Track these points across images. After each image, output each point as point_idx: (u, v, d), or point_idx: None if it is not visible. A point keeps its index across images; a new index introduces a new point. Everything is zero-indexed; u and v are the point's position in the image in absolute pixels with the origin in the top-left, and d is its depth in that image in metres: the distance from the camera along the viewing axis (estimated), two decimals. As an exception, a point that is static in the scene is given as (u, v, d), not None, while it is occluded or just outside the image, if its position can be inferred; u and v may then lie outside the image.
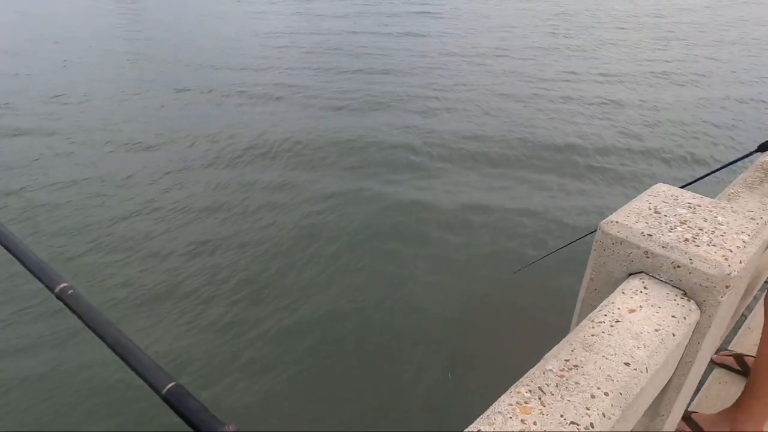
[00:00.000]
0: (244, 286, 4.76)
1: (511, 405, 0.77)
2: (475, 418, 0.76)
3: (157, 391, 0.70)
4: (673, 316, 0.97)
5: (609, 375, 0.83)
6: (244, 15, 17.79)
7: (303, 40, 14.19)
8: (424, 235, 5.53)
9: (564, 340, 0.94)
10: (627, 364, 0.86)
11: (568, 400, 0.78)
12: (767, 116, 8.83)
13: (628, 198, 1.22)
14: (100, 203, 6.15)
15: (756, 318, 2.41)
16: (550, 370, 0.84)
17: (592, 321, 0.96)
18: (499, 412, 0.76)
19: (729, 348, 2.32)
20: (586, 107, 9.04)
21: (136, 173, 6.84)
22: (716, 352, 2.22)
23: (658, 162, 7.17)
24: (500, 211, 5.92)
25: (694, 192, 1.27)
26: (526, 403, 0.78)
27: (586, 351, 0.88)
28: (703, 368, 1.30)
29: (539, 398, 0.79)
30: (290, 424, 3.51)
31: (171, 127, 8.31)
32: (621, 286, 1.07)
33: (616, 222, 1.13)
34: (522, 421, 0.75)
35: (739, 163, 1.90)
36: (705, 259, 1.01)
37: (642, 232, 1.09)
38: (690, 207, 1.19)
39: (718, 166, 2.05)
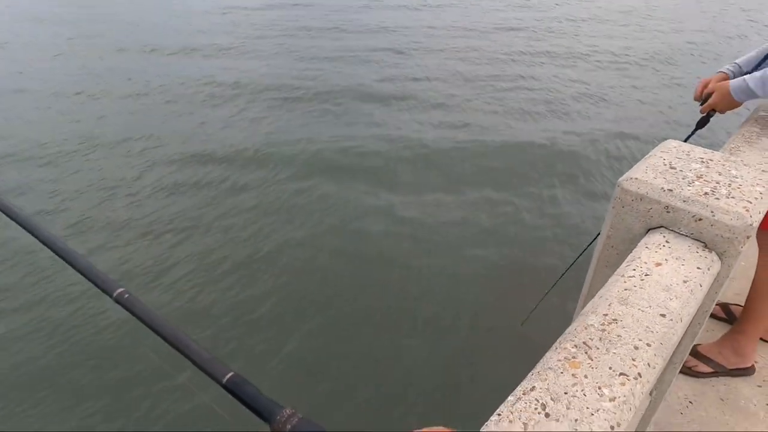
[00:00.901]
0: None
1: (560, 360, 0.79)
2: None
3: (218, 381, 0.75)
4: (698, 268, 1.00)
5: (648, 327, 0.86)
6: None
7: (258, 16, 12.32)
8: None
9: (597, 295, 0.96)
10: (663, 315, 0.88)
11: (614, 353, 0.80)
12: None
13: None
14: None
15: (736, 268, 2.52)
16: (591, 325, 0.86)
17: (623, 276, 0.98)
18: (549, 368, 0.77)
19: None
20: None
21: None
22: None
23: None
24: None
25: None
26: (574, 357, 0.79)
27: (622, 305, 0.90)
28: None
29: (585, 352, 0.80)
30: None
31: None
32: (643, 241, 1.09)
33: (636, 178, 1.14)
34: (573, 375, 0.76)
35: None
36: (726, 211, 1.03)
37: (662, 188, 1.11)
38: (703, 162, 1.22)
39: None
